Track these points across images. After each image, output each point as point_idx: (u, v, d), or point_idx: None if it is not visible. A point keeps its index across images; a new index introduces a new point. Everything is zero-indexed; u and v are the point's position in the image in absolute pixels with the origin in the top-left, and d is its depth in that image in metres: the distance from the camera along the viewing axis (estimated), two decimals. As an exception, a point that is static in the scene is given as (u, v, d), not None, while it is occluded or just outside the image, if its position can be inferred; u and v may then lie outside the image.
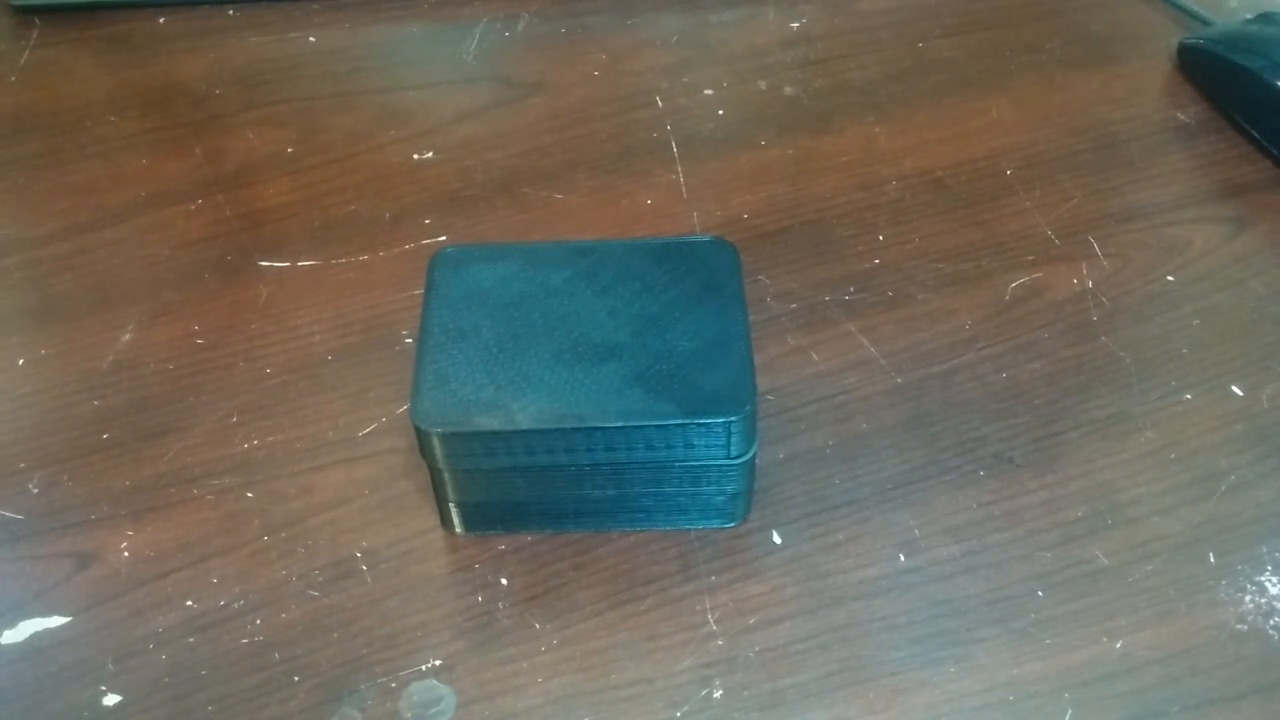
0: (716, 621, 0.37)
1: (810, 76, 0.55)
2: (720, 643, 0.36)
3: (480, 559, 0.38)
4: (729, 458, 0.36)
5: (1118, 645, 0.36)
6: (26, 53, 0.56)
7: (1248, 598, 0.37)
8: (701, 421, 0.35)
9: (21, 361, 0.44)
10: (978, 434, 0.41)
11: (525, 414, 0.35)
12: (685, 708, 0.35)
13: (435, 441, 0.35)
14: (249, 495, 0.40)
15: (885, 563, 0.38)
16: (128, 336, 0.44)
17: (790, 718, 0.35)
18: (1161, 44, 0.56)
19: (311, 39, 0.57)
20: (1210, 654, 0.36)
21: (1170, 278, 0.46)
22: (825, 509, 0.39)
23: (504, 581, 0.38)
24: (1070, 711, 0.35)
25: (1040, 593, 0.37)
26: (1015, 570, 0.38)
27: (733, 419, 0.35)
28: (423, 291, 0.38)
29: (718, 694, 0.35)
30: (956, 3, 0.58)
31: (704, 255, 0.39)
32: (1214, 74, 0.53)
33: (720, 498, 0.38)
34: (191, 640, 0.36)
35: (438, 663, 0.36)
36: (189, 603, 0.37)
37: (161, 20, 0.58)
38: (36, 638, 0.37)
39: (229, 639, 0.37)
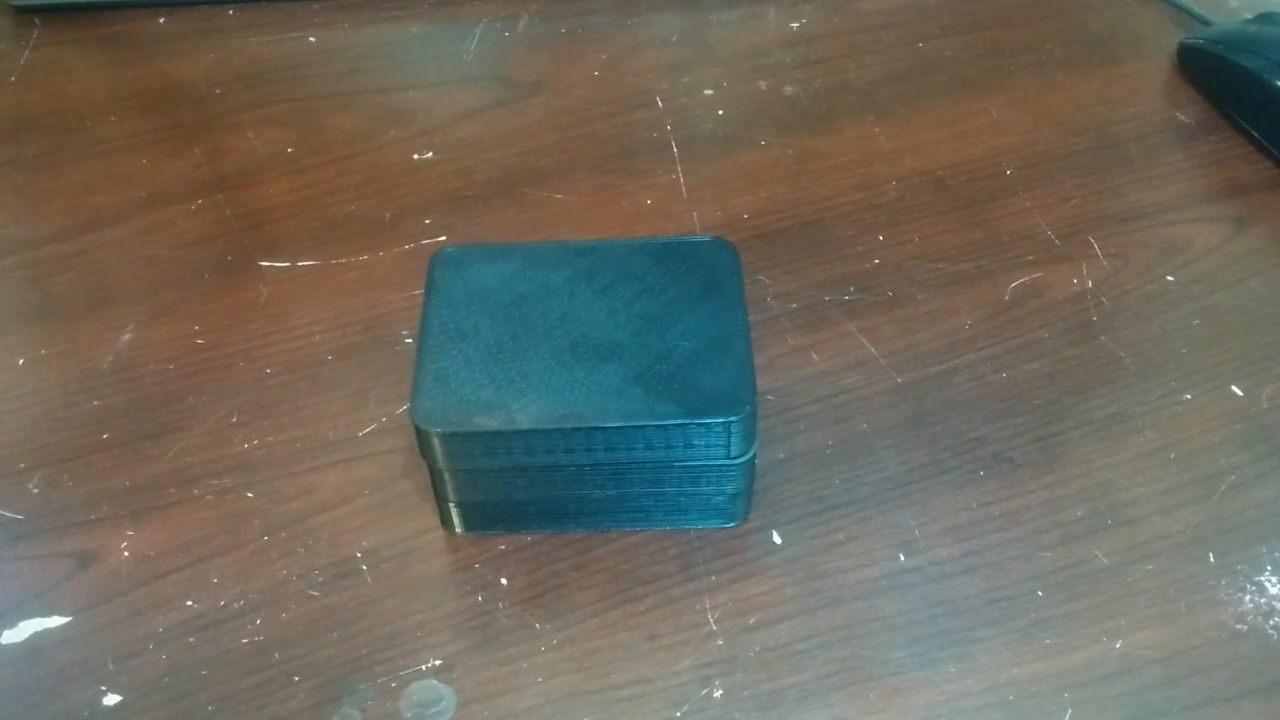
0: (716, 621, 0.37)
1: (810, 76, 0.55)
2: (720, 643, 0.36)
3: (480, 559, 0.38)
4: (729, 458, 0.36)
5: (1118, 645, 0.36)
6: (26, 53, 0.56)
7: (1248, 598, 0.37)
8: (701, 421, 0.35)
9: (21, 361, 0.44)
10: (978, 434, 0.41)
11: (525, 414, 0.35)
12: (685, 708, 0.35)
13: (435, 441, 0.35)
14: (249, 495, 0.40)
15: (885, 563, 0.38)
16: (128, 336, 0.44)
17: (790, 718, 0.35)
18: (1161, 44, 0.56)
19: (311, 39, 0.57)
20: (1210, 654, 0.36)
21: (1170, 278, 0.46)
22: (825, 509, 0.39)
23: (504, 581, 0.38)
24: (1070, 711, 0.35)
25: (1040, 593, 0.37)
26: (1015, 570, 0.38)
27: (733, 419, 0.35)
28: (423, 291, 0.38)
29: (718, 694, 0.35)
30: (956, 3, 0.58)
31: (704, 255, 0.39)
32: (1214, 74, 0.53)
33: (720, 498, 0.38)
34: (191, 640, 0.37)
35: (438, 663, 0.36)
36: (189, 603, 0.37)
37: (161, 20, 0.58)
38: (36, 638, 0.37)
39: (229, 639, 0.37)
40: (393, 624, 0.37)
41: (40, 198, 0.50)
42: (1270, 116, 0.50)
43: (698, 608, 0.37)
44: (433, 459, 0.36)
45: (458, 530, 0.39)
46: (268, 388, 0.43)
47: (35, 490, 0.40)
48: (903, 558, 0.38)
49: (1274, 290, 0.46)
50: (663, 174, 0.50)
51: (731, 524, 0.39)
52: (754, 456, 0.37)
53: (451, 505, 0.38)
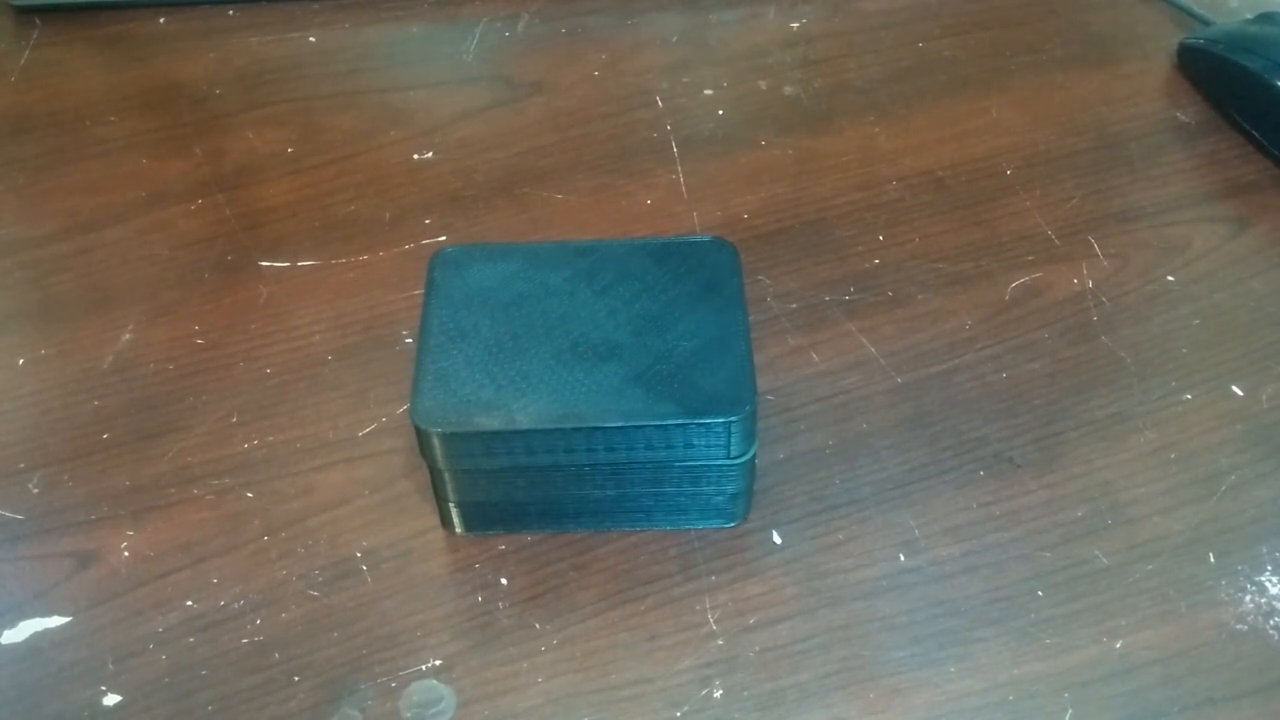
0: (716, 621, 0.37)
1: (810, 76, 0.55)
2: (720, 643, 0.36)
3: (480, 559, 0.38)
4: (729, 458, 0.36)
5: (1118, 645, 0.36)
6: (26, 53, 0.56)
7: (1248, 598, 0.37)
8: (701, 421, 0.35)
9: (21, 361, 0.44)
10: (978, 434, 0.41)
11: (525, 414, 0.35)
12: (685, 708, 0.35)
13: (435, 441, 0.35)
14: (249, 495, 0.40)
15: (885, 563, 0.38)
16: (128, 336, 0.44)
17: (790, 718, 0.35)
18: (1161, 44, 0.56)
19: (311, 39, 0.57)
20: (1210, 654, 0.36)
21: (1170, 278, 0.46)
22: (825, 509, 0.39)
23: (504, 581, 0.38)
24: (1070, 711, 0.35)
25: (1040, 593, 0.37)
26: (1015, 570, 0.38)
27: (733, 419, 0.35)
28: (423, 291, 0.38)
29: (718, 694, 0.35)
30: (956, 3, 0.58)
31: (704, 255, 0.39)
32: (1214, 74, 0.53)
33: (720, 498, 0.38)
34: (191, 640, 0.37)
35: (438, 663, 0.36)
36: (189, 603, 0.37)
37: (161, 20, 0.58)
38: (36, 638, 0.37)
39: (229, 639, 0.37)
40: (393, 624, 0.37)
41: (40, 198, 0.50)
42: (1270, 116, 0.50)
43: (698, 608, 0.37)
44: (433, 459, 0.36)
45: (458, 530, 0.39)
46: (268, 388, 0.43)
47: (35, 490, 0.40)
48: (903, 558, 0.38)
49: (1274, 290, 0.46)
50: (663, 174, 0.50)
51: (731, 524, 0.39)
52: (754, 456, 0.37)
53: (451, 505, 0.38)
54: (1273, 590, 0.37)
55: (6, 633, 0.37)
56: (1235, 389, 0.42)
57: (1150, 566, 0.38)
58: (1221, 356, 0.43)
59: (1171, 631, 0.36)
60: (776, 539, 0.39)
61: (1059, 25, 0.57)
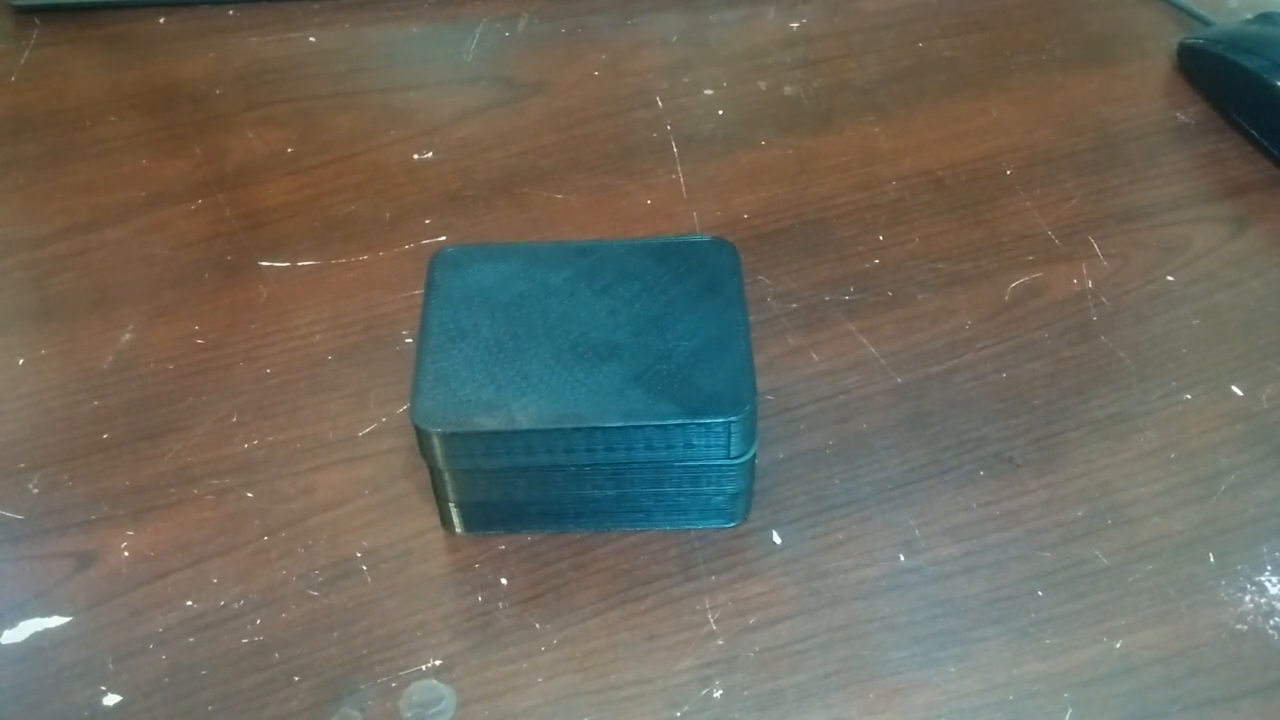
0: (716, 621, 0.37)
1: (810, 76, 0.55)
2: (720, 643, 0.36)
3: (480, 559, 0.38)
4: (729, 458, 0.36)
5: (1118, 645, 0.36)
6: (26, 53, 0.56)
7: (1248, 598, 0.37)
8: (701, 421, 0.35)
9: (21, 361, 0.44)
10: (978, 434, 0.41)
11: (525, 414, 0.35)
12: (685, 708, 0.35)
13: (435, 441, 0.35)
14: (249, 495, 0.40)
15: (885, 563, 0.38)
16: (128, 336, 0.44)
17: (790, 718, 0.35)
18: (1161, 44, 0.56)
19: (311, 39, 0.57)
20: (1210, 654, 0.36)
21: (1170, 278, 0.46)
22: (825, 509, 0.39)
23: (504, 581, 0.38)
24: (1070, 711, 0.35)
25: (1040, 593, 0.37)
26: (1015, 570, 0.38)
27: (733, 419, 0.35)
28: (423, 291, 0.38)
29: (718, 694, 0.35)
30: (956, 3, 0.58)
31: (704, 255, 0.39)
32: (1214, 74, 0.53)
33: (720, 498, 0.38)
34: (191, 640, 0.37)
35: (438, 663, 0.36)
36: (189, 603, 0.37)
37: (161, 20, 0.58)
38: (36, 638, 0.37)
39: (229, 639, 0.37)
40: (393, 624, 0.37)
41: (40, 198, 0.50)
42: (1270, 116, 0.50)
43: (698, 608, 0.37)
44: (433, 459, 0.36)
45: (458, 530, 0.39)
46: (268, 388, 0.43)
47: (35, 490, 0.40)
48: (903, 558, 0.38)
49: (1274, 290, 0.46)
50: (663, 174, 0.50)
51: (731, 524, 0.39)
52: (754, 456, 0.37)
53: (451, 505, 0.38)
54: (1273, 590, 0.37)
55: (6, 633, 0.37)
56: (1235, 389, 0.42)
57: (1150, 566, 0.38)
58: (1221, 356, 0.43)
59: (1171, 631, 0.36)
60: (776, 539, 0.39)
61: (1059, 25, 0.57)
